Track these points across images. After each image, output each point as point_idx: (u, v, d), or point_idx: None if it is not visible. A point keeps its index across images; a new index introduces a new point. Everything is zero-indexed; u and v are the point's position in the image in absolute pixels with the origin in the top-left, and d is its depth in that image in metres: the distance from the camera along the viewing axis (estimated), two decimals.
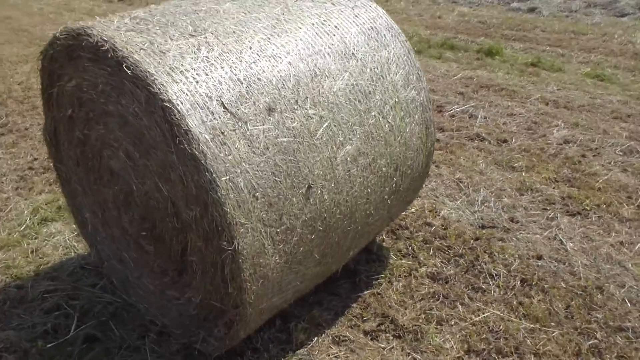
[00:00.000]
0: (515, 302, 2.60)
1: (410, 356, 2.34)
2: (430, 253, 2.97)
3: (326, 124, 2.09)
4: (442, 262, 2.92)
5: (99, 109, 2.15)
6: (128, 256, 2.56)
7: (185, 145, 1.76)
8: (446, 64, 6.50)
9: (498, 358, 2.29)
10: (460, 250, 2.99)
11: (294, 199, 1.99)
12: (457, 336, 2.42)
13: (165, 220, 2.14)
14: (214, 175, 1.76)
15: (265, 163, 1.89)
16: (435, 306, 2.60)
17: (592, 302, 2.57)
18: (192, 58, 1.90)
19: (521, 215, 3.32)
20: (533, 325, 2.45)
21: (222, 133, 1.81)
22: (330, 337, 2.44)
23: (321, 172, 2.07)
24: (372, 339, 2.45)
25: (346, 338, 2.43)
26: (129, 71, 1.81)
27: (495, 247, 3.01)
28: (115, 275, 2.73)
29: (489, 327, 2.46)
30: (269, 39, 2.11)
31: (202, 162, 1.76)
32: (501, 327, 2.45)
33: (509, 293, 2.66)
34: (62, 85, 2.31)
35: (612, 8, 9.42)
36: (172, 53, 1.89)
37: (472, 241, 3.07)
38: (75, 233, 3.30)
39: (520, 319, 2.49)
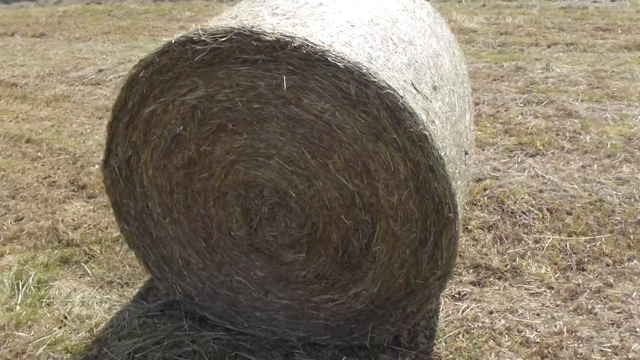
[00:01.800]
0: (560, 225, 3.13)
1: (522, 288, 2.69)
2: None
3: (456, 96, 2.29)
4: (478, 213, 3.32)
5: (248, 116, 1.99)
6: (246, 278, 2.37)
7: (413, 128, 1.80)
8: None
9: (585, 266, 2.78)
10: (482, 201, 3.43)
11: (462, 165, 2.16)
12: (544, 262, 2.85)
13: (340, 218, 2.09)
14: (440, 152, 1.85)
15: (448, 137, 2.03)
16: (508, 245, 2.99)
17: (606, 210, 3.24)
18: (370, 47, 1.92)
19: (498, 165, 3.91)
20: (585, 237, 3.01)
21: (427, 112, 1.90)
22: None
23: (466, 140, 2.27)
24: (480, 287, 2.73)
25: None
26: (335, 65, 1.77)
27: (505, 192, 3.52)
28: (210, 309, 2.50)
29: (559, 249, 2.94)
30: (395, 26, 2.21)
31: (429, 141, 1.83)
32: (567, 245, 2.96)
33: (548, 222, 3.19)
34: (167, 101, 2.05)
35: None
36: (351, 41, 1.89)
37: (483, 192, 3.53)
38: (98, 285, 2.86)
39: (574, 235, 3.04)
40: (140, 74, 2.01)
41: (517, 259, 2.89)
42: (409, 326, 2.29)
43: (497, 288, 2.71)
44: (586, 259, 2.84)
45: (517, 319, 2.49)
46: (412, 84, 1.92)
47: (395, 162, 1.90)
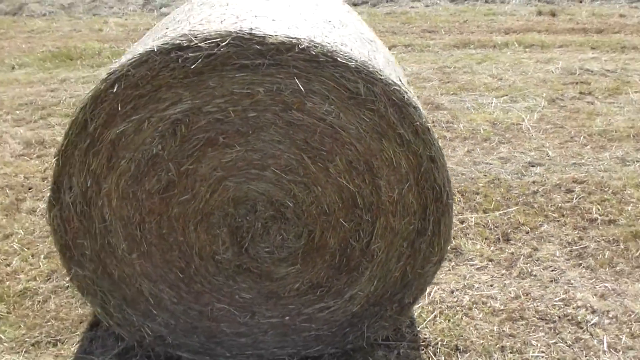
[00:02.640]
0: (475, 205, 3.47)
1: (468, 265, 2.93)
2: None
3: None
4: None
5: (243, 126, 1.85)
6: (230, 304, 2.20)
7: (418, 122, 1.86)
8: None
9: (509, 237, 3.13)
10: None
11: None
12: (476, 239, 3.13)
13: (338, 222, 2.05)
14: (436, 142, 1.93)
15: None
16: None
17: (505, 186, 3.67)
18: (359, 45, 1.93)
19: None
20: (499, 212, 3.38)
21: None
22: None
23: None
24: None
25: None
26: (345, 65, 1.74)
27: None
28: (185, 346, 2.27)
29: (483, 225, 3.26)
30: (355, 26, 2.24)
31: (431, 132, 1.90)
32: (488, 221, 3.29)
33: (463, 203, 3.51)
34: (141, 119, 1.82)
35: None
36: (343, 40, 1.88)
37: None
38: (23, 350, 2.40)
39: (489, 212, 3.39)
40: (109, 90, 1.74)
41: (453, 240, 3.12)
42: (405, 318, 2.34)
43: (447, 269, 2.90)
44: (508, 231, 3.19)
45: (477, 293, 2.70)
46: (400, 79, 1.97)
47: (397, 157, 1.93)
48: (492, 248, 3.06)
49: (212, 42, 1.68)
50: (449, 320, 2.53)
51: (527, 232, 3.17)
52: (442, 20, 9.01)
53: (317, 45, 1.72)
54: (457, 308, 2.61)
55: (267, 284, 2.18)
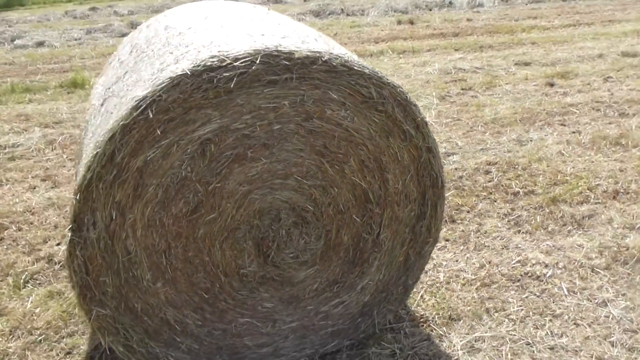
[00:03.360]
0: None
1: None
2: None
3: None
4: None
5: (268, 139, 1.94)
6: (252, 316, 2.24)
7: (419, 117, 2.10)
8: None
9: (455, 217, 3.51)
10: None
11: None
12: None
13: (351, 218, 2.21)
14: (432, 134, 2.19)
15: None
16: None
17: None
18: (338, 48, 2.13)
19: None
20: None
21: None
22: None
23: None
24: None
25: None
26: (360, 72, 1.92)
27: None
28: None
29: None
30: (297, 26, 2.43)
31: (428, 125, 2.16)
32: None
33: None
34: (170, 143, 1.83)
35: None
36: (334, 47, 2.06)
37: None
38: None
39: None
40: (139, 117, 1.73)
41: None
42: (407, 298, 2.55)
43: None
44: (453, 212, 3.57)
45: (447, 269, 3.02)
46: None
47: (401, 151, 2.15)
48: (444, 229, 3.40)
49: (244, 61, 1.75)
50: (434, 296, 2.80)
51: (468, 212, 3.58)
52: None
53: (336, 57, 1.88)
54: (437, 285, 2.89)
55: (288, 289, 2.26)
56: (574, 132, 4.64)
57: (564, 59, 7.00)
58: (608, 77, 6.03)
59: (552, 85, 5.91)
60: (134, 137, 1.76)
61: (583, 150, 4.26)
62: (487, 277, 2.92)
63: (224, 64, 1.75)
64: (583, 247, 3.07)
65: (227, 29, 2.04)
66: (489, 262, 3.04)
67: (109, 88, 2.15)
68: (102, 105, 2.07)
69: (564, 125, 4.82)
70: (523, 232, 3.31)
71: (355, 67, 1.92)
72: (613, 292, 2.71)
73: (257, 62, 1.77)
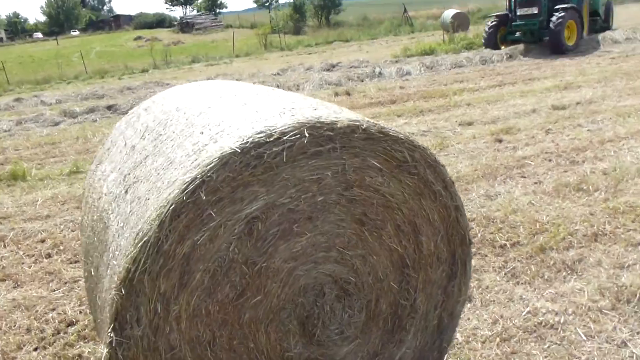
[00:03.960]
0: None
1: None
2: None
3: None
4: None
5: (312, 211, 1.89)
6: None
7: (447, 177, 2.14)
8: None
9: None
10: None
11: None
12: None
13: (390, 285, 2.15)
14: (457, 192, 2.23)
15: None
16: None
17: None
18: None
19: None
20: None
21: None
22: None
23: None
24: None
25: None
26: (394, 137, 1.95)
27: None
28: None
29: None
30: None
31: (454, 184, 2.20)
32: None
33: None
34: (218, 225, 1.74)
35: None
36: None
37: None
38: None
39: None
40: (189, 200, 1.64)
41: None
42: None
43: None
44: None
45: (462, 329, 2.98)
46: None
47: (432, 212, 2.16)
48: None
49: (292, 135, 1.73)
50: (458, 358, 2.75)
51: None
52: None
53: (373, 124, 1.90)
54: (458, 346, 2.84)
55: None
56: (536, 183, 4.89)
57: (502, 116, 7.49)
58: (548, 130, 6.50)
59: (500, 141, 6.27)
60: (182, 221, 1.66)
61: (551, 199, 4.49)
62: (503, 331, 2.92)
63: (271, 138, 1.72)
64: (584, 291, 3.16)
65: (254, 106, 2.02)
66: (501, 317, 3.05)
67: (129, 174, 2.03)
68: (126, 192, 1.94)
69: (525, 177, 5.08)
70: (522, 283, 3.37)
71: (390, 133, 1.94)
72: (628, 332, 2.78)
73: (303, 134, 1.75)
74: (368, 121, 1.91)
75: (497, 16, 15.23)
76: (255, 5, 48.42)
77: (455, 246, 2.28)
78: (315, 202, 1.90)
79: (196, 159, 1.75)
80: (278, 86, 12.52)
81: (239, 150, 1.68)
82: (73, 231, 4.95)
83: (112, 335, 1.65)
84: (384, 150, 1.96)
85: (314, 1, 39.41)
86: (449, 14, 25.42)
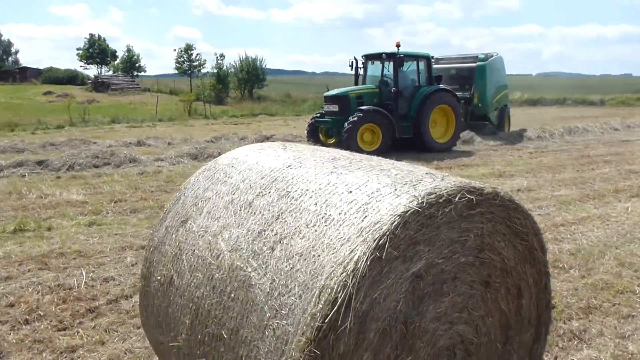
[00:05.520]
0: None
1: None
2: None
3: None
4: None
5: (458, 272, 1.97)
6: None
7: (545, 245, 2.33)
8: None
9: None
10: None
11: None
12: None
13: (496, 346, 2.24)
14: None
15: None
16: None
17: None
18: None
19: None
20: None
21: None
22: None
23: None
24: None
25: None
26: (516, 206, 2.12)
27: None
28: None
29: None
30: None
31: (547, 251, 2.39)
32: None
33: None
34: (390, 283, 1.78)
35: None
36: None
37: None
38: None
39: None
40: (375, 258, 1.66)
41: None
42: None
43: None
44: None
45: None
46: None
47: (531, 277, 2.32)
48: None
49: (460, 197, 1.84)
50: None
51: None
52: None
53: (506, 192, 2.07)
54: None
55: None
56: None
57: None
58: None
59: None
60: (368, 278, 1.67)
61: None
62: None
63: (441, 199, 1.82)
64: (602, 359, 3.43)
65: (384, 168, 2.11)
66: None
67: (264, 230, 1.99)
68: (272, 249, 1.90)
69: None
70: (546, 352, 3.57)
71: (515, 201, 2.12)
72: None
73: (462, 197, 1.87)
74: (501, 189, 2.07)
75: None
76: (175, 71, 48.29)
77: (541, 310, 2.44)
78: (459, 263, 1.99)
79: (364, 217, 1.80)
80: (219, 153, 12.46)
81: (419, 210, 1.76)
82: (46, 294, 4.48)
83: None
84: (509, 216, 2.12)
85: (238, 74, 40.17)
86: None
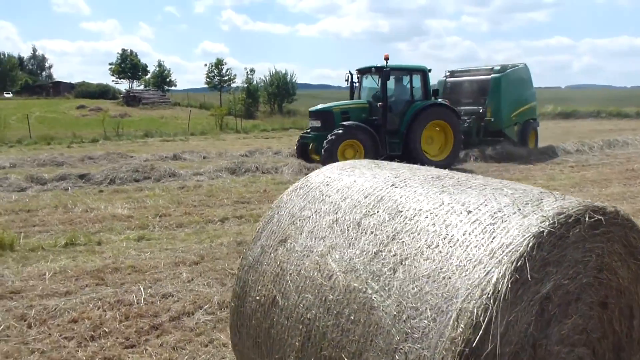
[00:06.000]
0: None
1: None
2: None
3: None
4: None
5: (582, 293, 1.93)
6: None
7: None
8: None
9: None
10: None
11: None
12: None
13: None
14: None
15: None
16: None
17: None
18: None
19: None
20: None
21: None
22: None
23: None
24: None
25: None
26: (632, 224, 2.07)
27: None
28: None
29: None
30: None
31: None
32: None
33: None
34: (524, 305, 1.75)
35: None
36: None
37: None
38: None
39: None
40: (511, 279, 1.64)
41: None
42: None
43: None
44: None
45: None
46: None
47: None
48: None
49: (589, 217, 1.81)
50: None
51: None
52: (222, 190, 9.66)
53: (622, 210, 2.02)
54: None
55: None
56: None
57: None
58: None
59: None
60: (506, 301, 1.64)
61: None
62: None
63: (570, 219, 1.79)
64: None
65: (503, 190, 2.09)
66: None
67: (380, 251, 1.98)
68: (393, 271, 1.89)
69: None
70: None
71: (631, 219, 2.07)
72: None
73: (590, 217, 1.84)
74: (621, 209, 2.03)
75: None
76: (205, 85, 49.03)
77: None
78: (581, 284, 1.95)
79: (492, 237, 1.78)
80: (257, 168, 12.53)
81: (552, 230, 1.73)
82: (108, 310, 4.53)
83: None
84: (626, 235, 2.07)
85: (268, 88, 40.53)
86: None
